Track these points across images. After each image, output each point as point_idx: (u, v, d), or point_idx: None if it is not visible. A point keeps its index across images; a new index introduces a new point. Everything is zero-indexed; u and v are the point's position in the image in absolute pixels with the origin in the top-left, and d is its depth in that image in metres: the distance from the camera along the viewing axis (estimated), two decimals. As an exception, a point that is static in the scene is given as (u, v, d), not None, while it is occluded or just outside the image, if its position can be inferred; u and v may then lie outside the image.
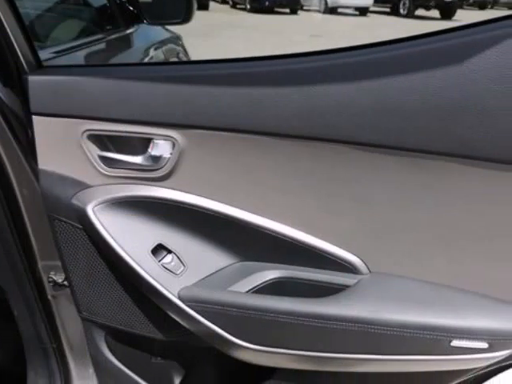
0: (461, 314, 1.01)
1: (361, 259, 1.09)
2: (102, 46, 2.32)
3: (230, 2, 19.62)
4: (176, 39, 3.14)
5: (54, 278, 1.30)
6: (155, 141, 1.07)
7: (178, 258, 1.15)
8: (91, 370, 1.47)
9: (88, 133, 1.09)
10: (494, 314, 1.01)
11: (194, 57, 3.44)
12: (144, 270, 1.11)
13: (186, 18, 2.31)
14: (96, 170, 1.12)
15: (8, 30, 1.08)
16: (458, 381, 1.17)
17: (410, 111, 0.89)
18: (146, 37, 2.72)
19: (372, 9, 18.73)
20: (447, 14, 17.00)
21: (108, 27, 2.57)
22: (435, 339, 0.99)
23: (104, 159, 1.11)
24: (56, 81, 1.11)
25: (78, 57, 1.97)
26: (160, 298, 1.13)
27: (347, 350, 1.06)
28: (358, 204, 1.02)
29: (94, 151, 1.11)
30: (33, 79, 1.10)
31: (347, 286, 1.09)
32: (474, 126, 0.86)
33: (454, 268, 1.03)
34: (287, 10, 17.90)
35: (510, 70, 0.83)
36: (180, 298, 1.11)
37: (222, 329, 1.11)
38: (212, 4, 18.41)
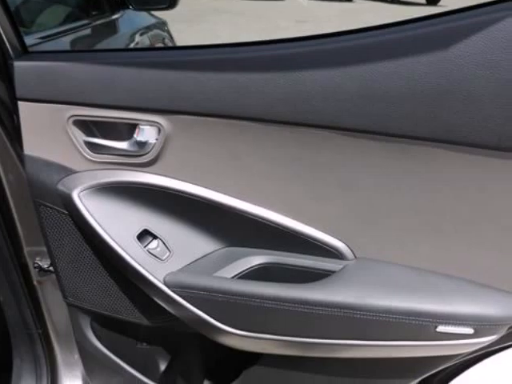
0: (446, 299, 1.01)
1: (346, 245, 1.09)
2: (87, 31, 2.32)
3: (216, -12, 19.52)
4: (161, 25, 3.14)
5: (40, 263, 1.30)
6: (141, 126, 1.07)
7: (164, 243, 1.15)
8: (77, 356, 1.47)
9: (74, 118, 1.09)
10: (480, 299, 1.02)
11: (179, 42, 3.43)
12: (129, 255, 1.11)
13: (171, 3, 2.31)
14: (82, 156, 1.11)
15: None
16: (444, 366, 1.18)
17: (396, 97, 0.89)
18: (131, 22, 2.72)
19: (357, -6, 18.68)
20: (433, 0, 16.99)
21: (94, 13, 2.56)
22: (421, 325, 1.00)
23: (89, 145, 1.11)
24: (42, 66, 1.11)
25: (64, 42, 1.96)
26: (145, 283, 1.13)
27: (333, 335, 1.06)
28: (344, 190, 1.02)
29: (80, 137, 1.10)
30: (18, 65, 1.09)
31: (333, 272, 1.09)
32: (460, 112, 0.86)
33: (439, 254, 1.03)
34: (273, -4, 17.83)
35: (495, 55, 0.83)
36: (165, 284, 1.11)
37: (208, 314, 1.11)
38: (197, -10, 18.32)
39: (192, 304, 1.11)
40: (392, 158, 0.96)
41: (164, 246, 1.15)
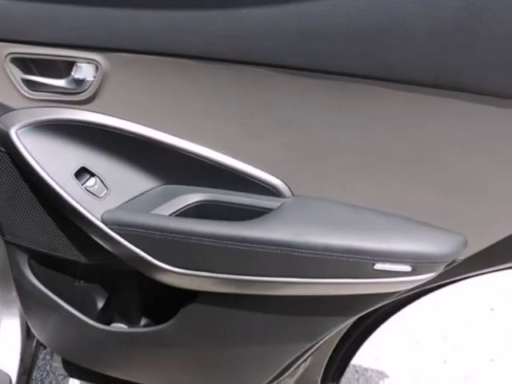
0: (384, 237, 1.02)
1: (284, 182, 1.10)
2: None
3: None
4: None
5: None
6: (78, 64, 1.06)
7: (102, 181, 1.15)
8: (14, 294, 1.47)
9: (11, 56, 1.07)
10: (418, 237, 1.03)
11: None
12: (67, 193, 1.11)
13: None
14: (19, 94, 1.10)
15: None
16: (382, 304, 1.21)
17: (334, 34, 0.89)
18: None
19: None
20: None
21: None
22: (358, 262, 1.02)
23: (27, 82, 1.09)
24: None
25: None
26: (83, 221, 1.13)
27: (270, 273, 1.08)
28: (282, 127, 1.03)
29: (18, 74, 1.09)
30: None
31: (270, 210, 1.10)
32: (398, 50, 0.87)
33: (377, 192, 1.05)
34: None
35: None
36: (103, 221, 1.12)
37: (145, 252, 1.12)
38: None
39: (129, 241, 1.12)
40: (330, 96, 0.97)
41: (102, 184, 1.15)
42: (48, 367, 2.59)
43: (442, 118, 0.93)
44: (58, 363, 1.80)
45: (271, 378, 1.41)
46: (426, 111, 0.93)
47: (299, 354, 1.32)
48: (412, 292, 1.22)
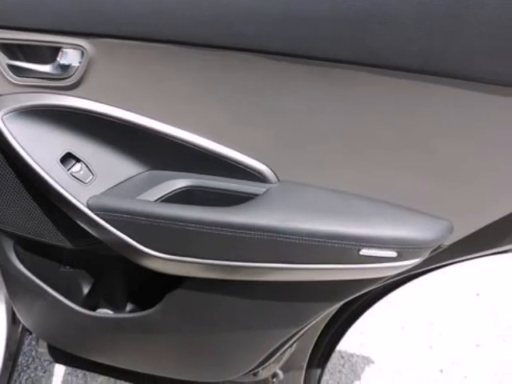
0: (370, 222, 1.02)
1: (270, 168, 1.10)
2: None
3: None
4: None
5: None
6: (64, 49, 1.05)
7: (87, 166, 1.15)
8: (0, 279, 1.46)
9: None
10: (403, 222, 1.03)
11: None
12: (53, 178, 1.11)
13: None
14: (5, 79, 1.10)
15: None
16: (368, 289, 1.21)
17: (320, 19, 0.89)
18: None
19: None
20: None
21: None
22: (344, 248, 1.02)
23: (13, 68, 1.09)
24: None
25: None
26: (69, 206, 1.13)
27: (256, 258, 1.08)
28: (268, 113, 1.03)
29: (3, 60, 1.08)
30: None
31: (256, 195, 1.10)
32: (383, 35, 0.86)
33: (363, 178, 1.05)
34: None
35: None
36: (88, 207, 1.12)
37: (131, 237, 1.12)
38: None
39: (115, 227, 1.12)
40: (316, 82, 0.96)
41: (87, 170, 1.15)
42: (34, 353, 2.59)
43: (428, 104, 0.93)
44: (43, 349, 1.81)
45: (257, 363, 1.41)
46: (412, 97, 0.93)
47: (285, 339, 1.33)
48: (398, 278, 1.23)
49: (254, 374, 1.64)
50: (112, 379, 2.48)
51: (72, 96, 1.10)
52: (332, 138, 1.02)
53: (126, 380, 1.78)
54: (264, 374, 1.64)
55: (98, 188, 1.15)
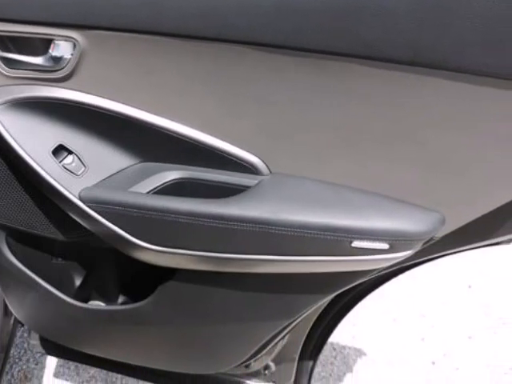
0: (362, 214, 1.03)
1: (262, 160, 1.10)
2: None
3: None
4: None
5: None
6: (56, 41, 1.05)
7: (79, 158, 1.14)
8: None
9: None
10: (395, 214, 1.03)
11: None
12: (45, 170, 1.10)
13: None
14: None
15: None
16: (360, 281, 1.21)
17: (312, 11, 0.88)
18: None
19: None
20: None
21: None
22: (336, 240, 1.02)
23: (5, 60, 1.08)
24: None
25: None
26: (61, 198, 1.13)
27: (248, 250, 1.08)
28: (260, 105, 1.02)
29: None
30: None
31: (248, 187, 1.10)
32: (375, 26, 0.86)
33: (355, 169, 1.05)
34: None
35: None
36: (81, 199, 1.12)
37: (123, 229, 1.12)
38: None
39: (107, 219, 1.12)
40: (308, 74, 0.96)
41: (79, 162, 1.15)
42: (25, 345, 2.59)
43: (420, 96, 0.93)
44: (35, 341, 1.81)
45: (249, 355, 1.41)
46: (404, 89, 0.93)
47: (277, 331, 1.33)
48: (389, 269, 1.23)
49: (246, 366, 1.65)
50: (104, 371, 2.48)
51: (64, 88, 1.10)
52: (324, 130, 1.02)
53: (117, 372, 1.78)
54: (256, 365, 1.65)
55: (89, 180, 1.15)
